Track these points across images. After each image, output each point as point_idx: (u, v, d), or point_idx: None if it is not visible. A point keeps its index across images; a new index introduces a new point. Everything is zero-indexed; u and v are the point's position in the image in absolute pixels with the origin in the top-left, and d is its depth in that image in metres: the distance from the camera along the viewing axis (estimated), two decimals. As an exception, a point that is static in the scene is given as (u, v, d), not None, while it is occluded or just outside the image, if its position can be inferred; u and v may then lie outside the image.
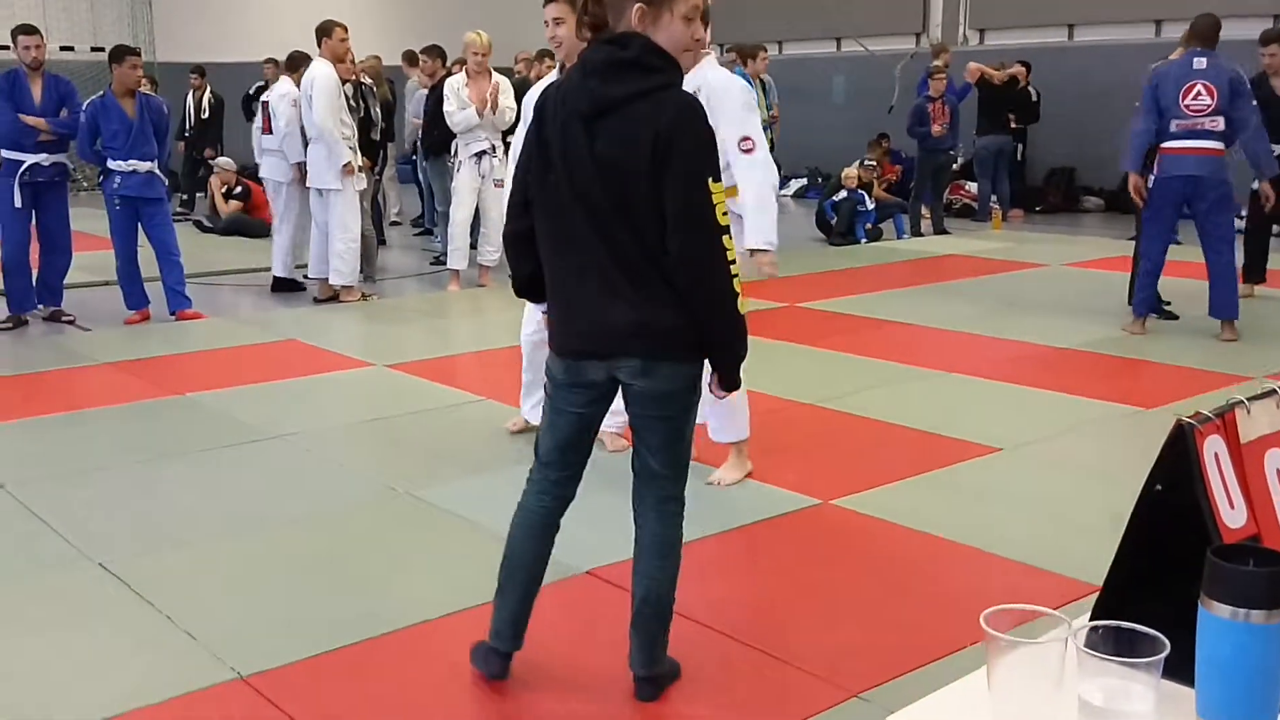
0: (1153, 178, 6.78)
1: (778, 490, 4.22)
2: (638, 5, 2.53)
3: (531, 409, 5.07)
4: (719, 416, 4.36)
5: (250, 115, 14.26)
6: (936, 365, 6.13)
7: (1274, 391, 1.30)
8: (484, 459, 4.69)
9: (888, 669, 2.85)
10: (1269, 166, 6.79)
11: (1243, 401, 1.25)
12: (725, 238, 2.53)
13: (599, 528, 3.89)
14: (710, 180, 2.50)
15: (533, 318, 4.99)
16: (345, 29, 8.23)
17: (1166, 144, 6.64)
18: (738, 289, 2.57)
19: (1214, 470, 1.19)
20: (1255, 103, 6.58)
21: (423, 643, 3.10)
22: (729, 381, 2.71)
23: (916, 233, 11.56)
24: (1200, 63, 6.59)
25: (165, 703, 2.74)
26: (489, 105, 8.01)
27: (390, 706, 2.79)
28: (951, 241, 11.14)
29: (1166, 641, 1.04)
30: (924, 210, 11.78)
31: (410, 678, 2.92)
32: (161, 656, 3.00)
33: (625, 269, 2.56)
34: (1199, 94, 6.55)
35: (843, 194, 11.36)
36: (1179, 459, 1.18)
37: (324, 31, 8.13)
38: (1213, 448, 1.20)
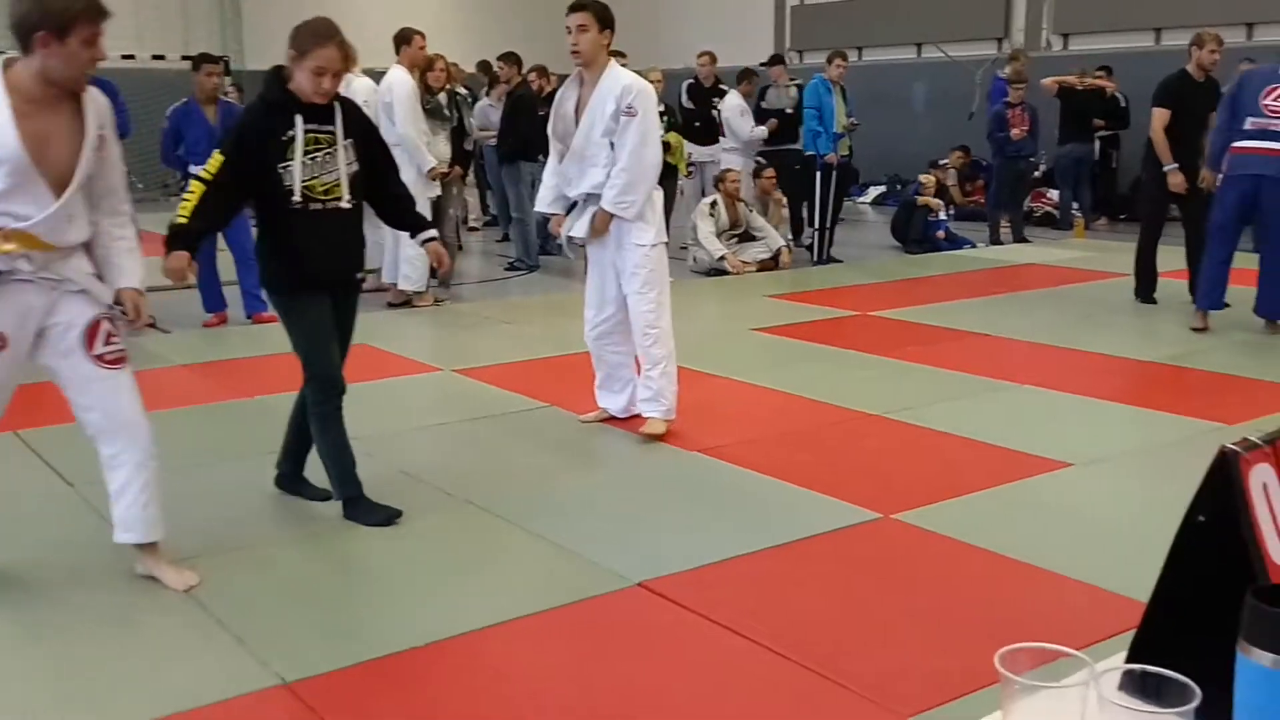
0: (1221, 176, 6.84)
1: (838, 503, 4.14)
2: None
3: (607, 399, 5.21)
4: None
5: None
6: (1010, 377, 5.97)
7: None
8: (546, 467, 4.68)
9: (940, 692, 2.76)
10: None
11: (1296, 428, 1.16)
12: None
13: (650, 537, 3.86)
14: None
15: (590, 317, 5.04)
16: (424, 36, 8.30)
17: (1237, 143, 6.70)
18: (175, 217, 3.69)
19: (1261, 502, 1.10)
20: None
21: (469, 653, 3.07)
22: None
23: (996, 241, 11.34)
24: None
25: (207, 707, 2.75)
26: None
27: (432, 717, 2.77)
28: (1032, 250, 10.90)
29: (1198, 690, 0.96)
30: (1004, 219, 11.55)
31: (455, 688, 2.90)
32: (208, 660, 3.02)
33: None
34: (1279, 95, 6.53)
35: (917, 199, 11.20)
36: (1222, 489, 1.10)
37: (403, 39, 8.21)
38: (1260, 477, 1.11)
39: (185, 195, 3.69)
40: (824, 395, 5.64)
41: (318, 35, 3.68)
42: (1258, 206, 6.71)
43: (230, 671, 2.94)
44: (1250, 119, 6.63)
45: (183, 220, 3.65)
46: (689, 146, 10.91)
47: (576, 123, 4.86)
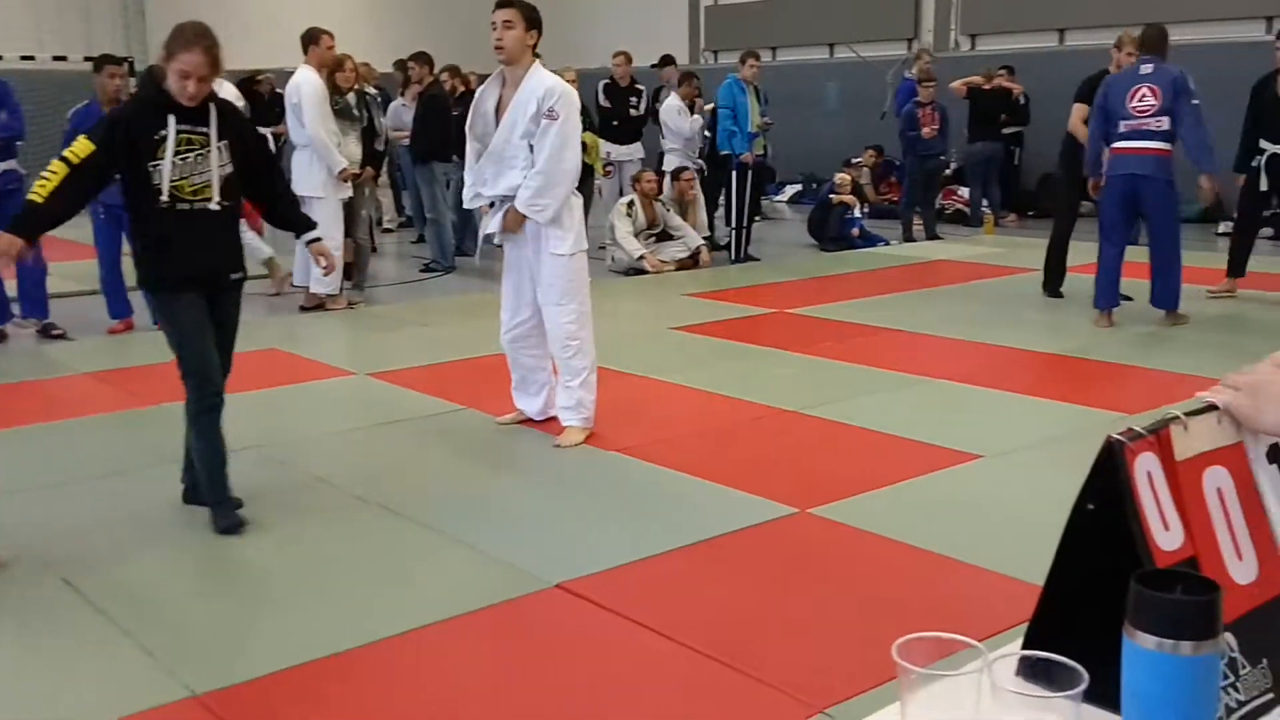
0: (1104, 178, 7.10)
1: (755, 499, 4.16)
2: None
3: (523, 401, 5.14)
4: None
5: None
6: (923, 371, 6.07)
7: (1215, 406, 1.25)
8: (462, 470, 4.65)
9: (858, 684, 2.79)
10: (1207, 162, 6.86)
11: (1178, 417, 1.19)
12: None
13: (567, 538, 3.86)
14: None
15: (505, 320, 4.98)
16: (332, 36, 8.18)
17: (1115, 144, 6.98)
18: (31, 193, 3.63)
19: (1146, 490, 1.13)
20: (1196, 101, 6.76)
21: (385, 660, 3.03)
22: None
23: (909, 238, 11.51)
24: (1147, 68, 6.92)
25: (114, 723, 2.68)
26: None
27: (348, 725, 2.73)
28: (943, 247, 11.09)
29: (1085, 674, 0.98)
30: (916, 216, 11.73)
31: (370, 696, 2.86)
32: (116, 673, 2.94)
33: None
34: (1144, 96, 6.84)
35: (832, 197, 11.33)
36: (1109, 478, 1.13)
37: (311, 39, 8.08)
38: (1145, 466, 1.14)
39: (46, 175, 3.64)
40: (741, 392, 5.68)
41: (185, 39, 3.69)
42: (1139, 204, 6.97)
43: (139, 684, 2.87)
44: (1122, 121, 6.91)
45: (37, 199, 3.61)
46: (607, 146, 10.94)
47: (497, 122, 4.80)
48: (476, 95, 4.97)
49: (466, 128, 4.95)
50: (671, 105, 11.11)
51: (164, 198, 3.71)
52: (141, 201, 3.75)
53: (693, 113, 11.12)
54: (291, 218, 4.28)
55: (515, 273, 4.96)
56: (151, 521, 4.05)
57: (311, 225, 4.30)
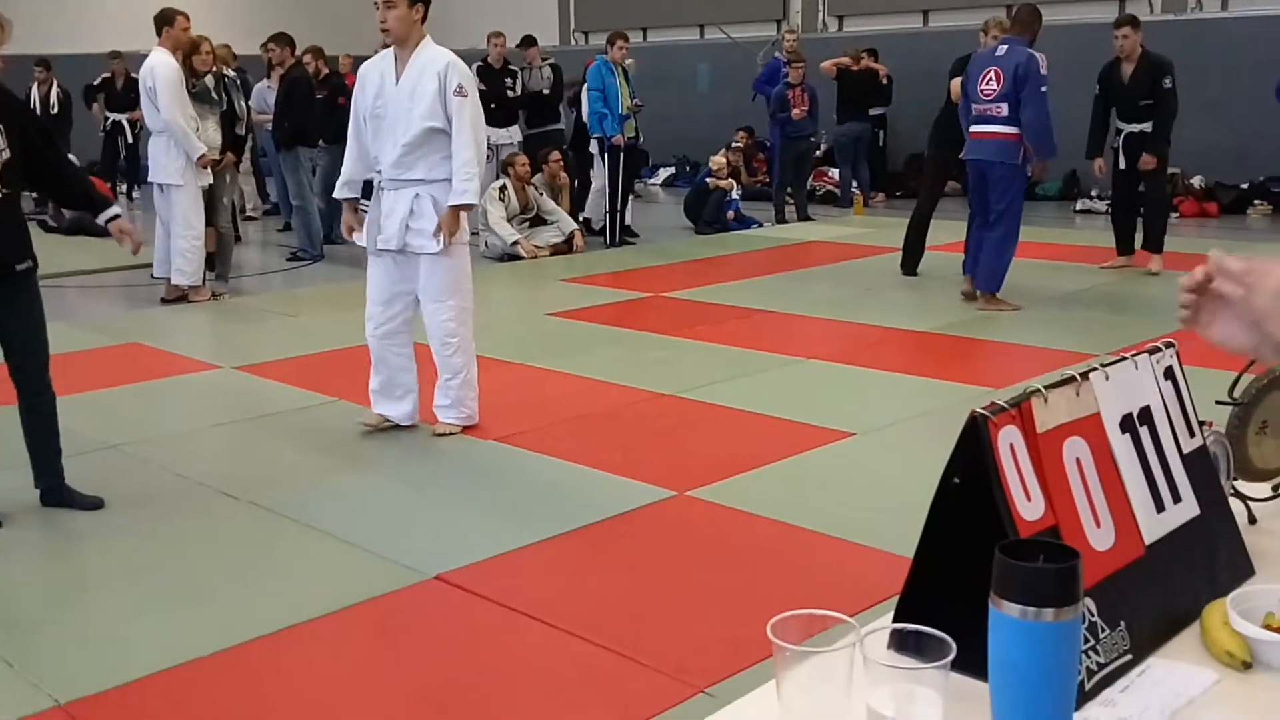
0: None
1: (634, 483, 4.18)
2: None
3: (388, 406, 4.87)
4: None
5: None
6: (797, 352, 6.17)
7: (1073, 379, 1.28)
8: (334, 463, 4.55)
9: (737, 662, 2.82)
10: (1043, 150, 6.93)
11: (1040, 390, 1.23)
12: None
13: (446, 529, 3.82)
14: None
15: (377, 314, 4.78)
16: (187, 17, 7.89)
17: (970, 128, 7.11)
18: None
19: (1009, 462, 1.16)
20: (1043, 88, 6.79)
21: (258, 660, 2.96)
22: None
23: (781, 220, 11.66)
24: (1001, 50, 6.98)
25: (-31, 740, 2.56)
26: None
27: (221, 729, 2.65)
28: (815, 228, 11.27)
29: (953, 644, 1.00)
30: (787, 197, 11.90)
31: (244, 698, 2.78)
32: (-30, 689, 2.80)
33: None
34: (990, 80, 6.93)
35: (710, 181, 11.41)
36: (974, 451, 1.15)
37: (165, 20, 7.77)
38: (1008, 439, 1.17)
39: None
40: (618, 377, 5.69)
41: None
42: (985, 185, 7.10)
43: (1, 696, 2.74)
44: (974, 105, 7.03)
45: None
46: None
47: (387, 101, 4.55)
48: (361, 71, 4.72)
49: (354, 104, 4.72)
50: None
51: None
52: None
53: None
54: (85, 198, 4.15)
55: (388, 261, 4.70)
56: (6, 527, 3.86)
57: (108, 204, 4.13)
